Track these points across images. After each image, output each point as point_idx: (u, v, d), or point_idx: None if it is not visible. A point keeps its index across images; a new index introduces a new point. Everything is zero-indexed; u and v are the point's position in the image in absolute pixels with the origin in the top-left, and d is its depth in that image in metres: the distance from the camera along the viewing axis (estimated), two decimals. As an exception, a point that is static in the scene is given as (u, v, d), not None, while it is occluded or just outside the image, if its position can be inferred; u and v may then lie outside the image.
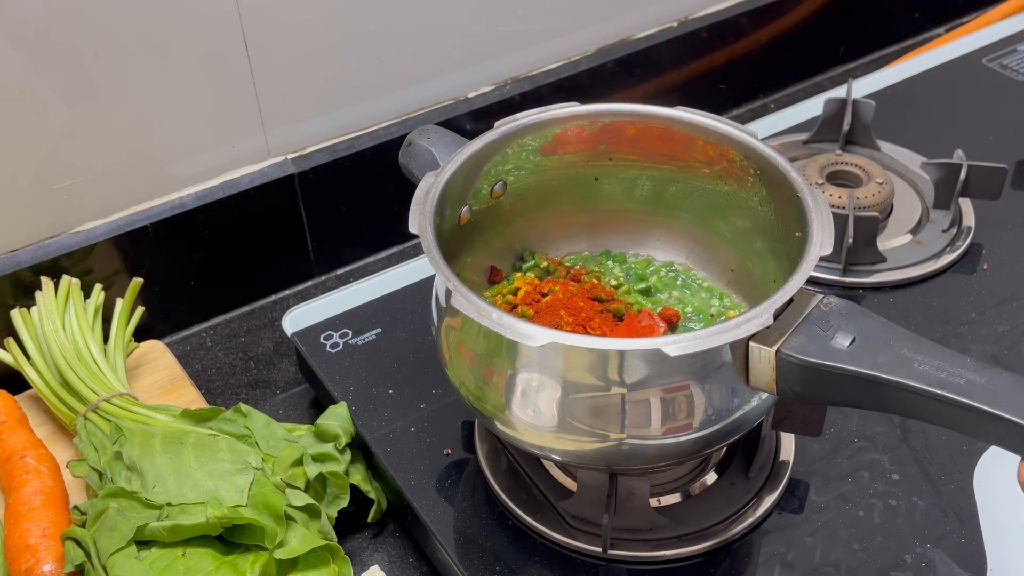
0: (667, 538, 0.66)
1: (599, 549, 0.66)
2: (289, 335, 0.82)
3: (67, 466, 0.73)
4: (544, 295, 0.72)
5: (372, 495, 0.73)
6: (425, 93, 0.97)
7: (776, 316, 0.57)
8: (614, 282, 0.75)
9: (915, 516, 0.68)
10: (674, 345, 0.55)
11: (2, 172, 0.80)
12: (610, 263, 0.76)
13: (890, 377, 0.54)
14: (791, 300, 0.58)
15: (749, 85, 1.18)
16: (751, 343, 0.57)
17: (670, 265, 0.76)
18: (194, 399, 0.82)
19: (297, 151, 0.93)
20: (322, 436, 0.72)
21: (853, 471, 0.71)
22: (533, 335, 0.56)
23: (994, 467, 0.70)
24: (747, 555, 0.66)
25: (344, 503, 0.71)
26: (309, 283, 0.97)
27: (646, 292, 0.74)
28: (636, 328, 0.69)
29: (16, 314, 0.80)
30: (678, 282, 0.75)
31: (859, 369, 0.55)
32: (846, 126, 0.97)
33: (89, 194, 0.84)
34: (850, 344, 0.56)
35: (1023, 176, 0.95)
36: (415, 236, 0.61)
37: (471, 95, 1.00)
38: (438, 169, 0.66)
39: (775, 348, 0.57)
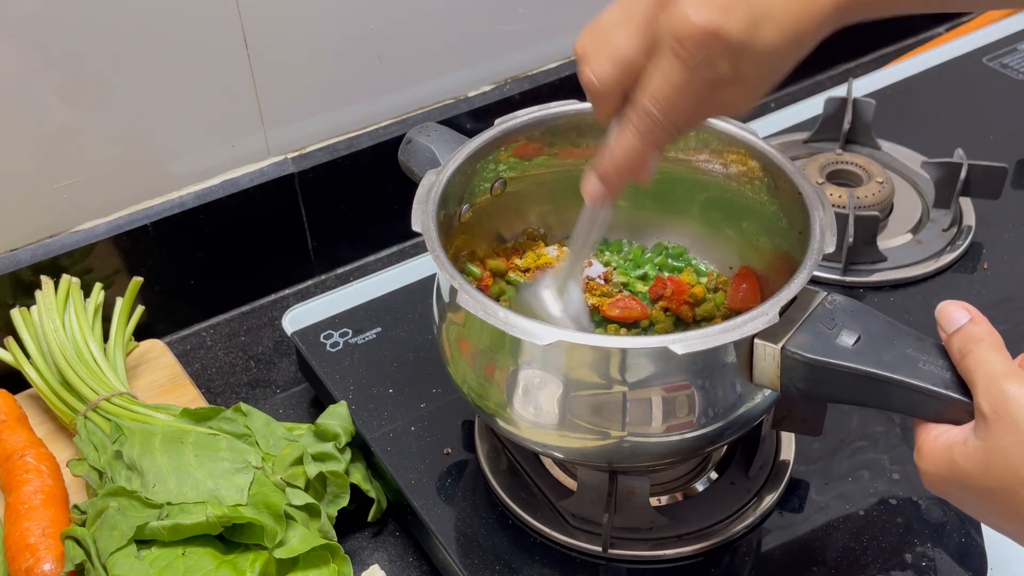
0: (667, 537, 0.66)
1: (599, 548, 0.66)
2: (289, 334, 0.82)
3: (67, 465, 0.73)
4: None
5: (372, 494, 0.73)
6: (425, 92, 0.97)
7: (781, 313, 0.57)
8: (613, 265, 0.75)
9: (915, 516, 0.68)
10: (680, 343, 0.55)
11: (2, 172, 0.79)
12: (608, 253, 0.76)
13: (895, 376, 0.54)
14: (795, 297, 0.58)
15: (749, 85, 1.18)
16: (756, 340, 0.57)
17: (664, 247, 0.76)
18: (194, 398, 0.82)
19: (297, 150, 0.93)
20: (322, 435, 0.72)
21: (853, 471, 0.71)
22: (540, 334, 0.56)
23: (995, 466, 0.70)
24: (747, 554, 0.66)
25: (344, 502, 0.71)
26: (309, 282, 0.97)
27: (643, 279, 0.74)
28: (627, 307, 0.69)
29: (16, 313, 0.80)
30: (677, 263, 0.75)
31: (865, 368, 0.55)
32: (846, 125, 0.97)
33: (89, 193, 0.84)
34: (855, 342, 0.56)
35: (1023, 175, 0.95)
36: (415, 235, 0.61)
37: (471, 94, 1.00)
38: (439, 167, 0.66)
39: (780, 345, 0.57)
